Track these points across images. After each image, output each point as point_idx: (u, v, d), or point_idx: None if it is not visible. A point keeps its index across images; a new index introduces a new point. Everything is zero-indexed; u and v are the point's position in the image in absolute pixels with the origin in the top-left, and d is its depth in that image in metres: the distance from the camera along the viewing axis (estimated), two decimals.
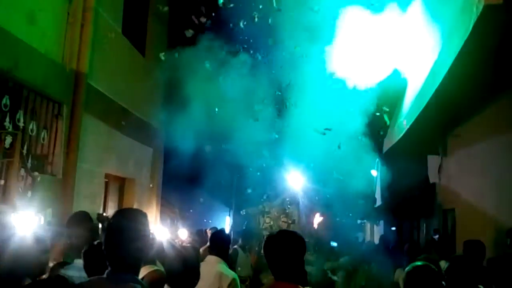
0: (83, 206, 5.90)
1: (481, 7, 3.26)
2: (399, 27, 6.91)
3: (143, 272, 3.06)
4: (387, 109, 8.25)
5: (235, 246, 8.07)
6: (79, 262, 3.01)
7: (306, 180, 12.16)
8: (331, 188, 11.54)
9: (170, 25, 9.74)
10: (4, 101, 4.62)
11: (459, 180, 6.60)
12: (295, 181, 12.21)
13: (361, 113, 7.91)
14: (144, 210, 2.25)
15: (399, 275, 5.13)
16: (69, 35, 5.87)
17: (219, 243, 4.22)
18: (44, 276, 2.34)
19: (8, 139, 4.60)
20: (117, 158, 7.58)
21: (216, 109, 8.47)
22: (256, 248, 8.37)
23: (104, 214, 6.79)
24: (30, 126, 5.10)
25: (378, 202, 10.76)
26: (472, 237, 4.81)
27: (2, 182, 4.62)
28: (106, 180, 7.46)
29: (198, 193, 16.76)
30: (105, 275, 2.01)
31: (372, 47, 7.09)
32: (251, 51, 8.55)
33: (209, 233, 7.57)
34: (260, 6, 7.72)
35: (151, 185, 9.23)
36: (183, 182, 14.46)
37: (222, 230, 5.46)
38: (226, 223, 17.57)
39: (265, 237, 2.79)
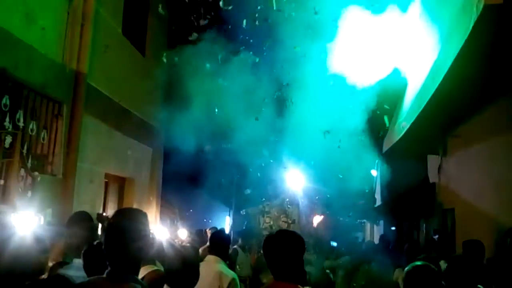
0: (83, 206, 5.90)
1: (481, 7, 3.26)
2: (399, 27, 6.91)
3: (142, 272, 3.06)
4: (387, 109, 8.26)
5: (235, 246, 8.09)
6: (78, 261, 3.01)
7: (306, 180, 12.17)
8: (331, 188, 11.56)
9: (170, 25, 9.74)
10: (4, 101, 4.62)
11: (459, 180, 6.61)
12: (295, 181, 12.22)
13: (361, 113, 7.91)
14: (144, 210, 2.26)
15: (399, 274, 5.14)
16: (69, 35, 5.87)
17: (219, 243, 4.23)
18: (43, 276, 2.35)
19: (8, 139, 4.60)
20: (117, 158, 7.58)
21: (216, 109, 8.47)
22: (256, 248, 8.38)
23: (104, 214, 6.79)
24: (30, 126, 5.09)
25: (378, 202, 10.78)
26: (472, 237, 4.81)
27: (2, 182, 4.61)
28: (106, 180, 7.46)
29: (198, 193, 16.76)
30: (105, 275, 2.01)
31: (372, 47, 7.10)
32: (251, 51, 8.56)
33: (208, 233, 7.58)
34: (258, 8, 7.72)
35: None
36: (183, 182, 14.47)
37: (222, 230, 5.47)
38: (226, 223, 17.57)
39: (264, 237, 2.79)
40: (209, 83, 8.31)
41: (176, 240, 7.04)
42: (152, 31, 9.22)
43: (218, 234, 4.56)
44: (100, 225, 5.89)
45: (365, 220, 15.28)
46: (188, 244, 6.13)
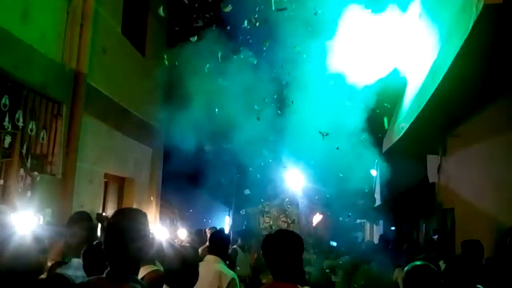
0: (83, 206, 5.90)
1: (480, 7, 3.26)
2: (399, 26, 6.91)
3: (142, 272, 3.06)
4: (387, 109, 8.26)
5: (234, 246, 8.09)
6: (76, 261, 3.02)
7: (306, 179, 12.16)
8: (330, 188, 11.55)
9: (169, 24, 9.74)
10: (3, 100, 4.61)
11: (459, 180, 6.61)
12: (294, 180, 12.22)
13: (360, 112, 7.92)
14: (144, 210, 2.25)
15: (398, 274, 5.14)
16: (68, 34, 5.86)
17: (218, 243, 4.23)
18: (42, 276, 2.34)
19: (8, 139, 4.59)
20: (116, 158, 7.58)
21: (216, 109, 8.47)
22: (256, 248, 8.38)
23: (104, 214, 6.79)
24: (30, 126, 5.09)
25: (378, 202, 10.78)
26: (471, 236, 4.81)
27: (2, 182, 4.61)
28: (106, 180, 7.46)
29: (198, 193, 16.76)
30: (104, 275, 2.01)
31: (372, 47, 7.10)
32: (251, 50, 8.55)
33: (208, 233, 7.58)
34: (257, 9, 7.72)
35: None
36: (183, 182, 14.46)
37: (221, 230, 5.47)
38: (225, 223, 17.56)
39: (264, 237, 2.80)
40: (209, 82, 8.31)
41: (175, 240, 7.04)
42: (151, 31, 9.22)
43: (218, 234, 4.56)
44: (99, 225, 5.89)
45: (364, 220, 15.29)
46: (187, 244, 6.13)
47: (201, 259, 3.83)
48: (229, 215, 17.84)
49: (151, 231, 2.23)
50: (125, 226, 2.04)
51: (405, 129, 6.49)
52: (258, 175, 11.41)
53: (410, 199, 9.09)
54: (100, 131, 6.81)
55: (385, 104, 8.03)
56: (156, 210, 9.58)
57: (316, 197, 12.95)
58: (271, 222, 12.13)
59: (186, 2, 7.58)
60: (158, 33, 9.54)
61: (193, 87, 8.27)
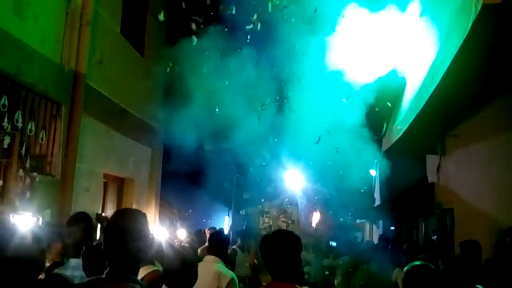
0: (82, 207, 5.89)
1: (479, 7, 3.26)
2: (397, 26, 6.91)
3: (142, 272, 3.06)
4: (386, 109, 8.26)
5: (234, 246, 8.09)
6: (74, 261, 3.02)
7: (306, 180, 12.17)
8: (330, 188, 11.56)
9: (168, 24, 9.74)
10: (2, 101, 4.61)
11: (458, 180, 6.61)
12: (294, 181, 12.22)
13: (360, 113, 7.91)
14: (143, 210, 2.25)
15: (398, 274, 5.14)
16: (67, 35, 5.86)
17: (217, 243, 4.23)
18: (40, 277, 2.34)
19: (7, 140, 4.59)
20: (116, 158, 7.57)
21: (216, 109, 8.46)
22: (255, 248, 8.39)
23: (103, 215, 6.79)
24: (29, 127, 5.09)
25: (377, 202, 10.78)
26: (471, 236, 4.81)
27: (1, 182, 4.61)
28: (105, 180, 7.46)
29: (198, 193, 16.75)
30: (104, 275, 2.01)
31: (371, 47, 7.10)
32: (251, 50, 8.54)
33: (207, 233, 7.59)
34: (256, 8, 7.72)
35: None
36: (182, 182, 14.46)
37: (221, 231, 5.47)
38: (225, 223, 17.56)
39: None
40: (208, 82, 8.30)
41: (175, 240, 7.05)
42: (150, 31, 9.21)
43: (217, 235, 4.57)
44: (99, 226, 5.89)
45: (364, 220, 15.30)
46: (187, 245, 6.13)
47: (200, 259, 3.83)
48: (228, 215, 17.84)
49: (150, 231, 2.23)
50: (125, 227, 2.03)
51: (402, 131, 6.50)
52: (258, 175, 11.41)
53: (409, 199, 9.09)
54: (99, 132, 6.80)
55: (387, 103, 8.03)
56: (155, 210, 9.57)
57: (316, 197, 12.96)
58: (271, 222, 12.15)
59: (183, 6, 7.59)
60: (157, 33, 9.54)
61: (193, 86, 8.27)
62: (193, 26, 7.96)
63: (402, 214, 10.92)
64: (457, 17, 3.96)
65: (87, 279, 2.22)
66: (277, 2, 7.51)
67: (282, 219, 12.13)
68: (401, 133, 6.77)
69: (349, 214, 13.62)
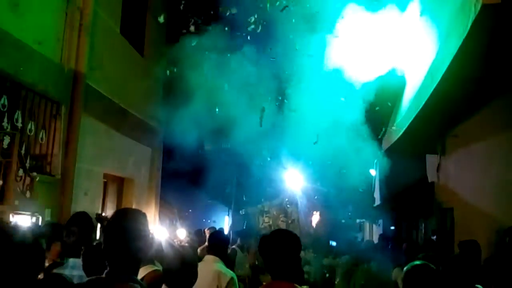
0: (82, 206, 5.90)
1: (479, 7, 3.26)
2: (397, 26, 6.91)
3: (142, 272, 3.06)
4: (386, 110, 8.26)
5: (234, 246, 8.09)
6: (72, 261, 3.03)
7: (306, 179, 12.17)
8: (330, 187, 11.56)
9: (168, 24, 9.74)
10: (2, 101, 4.62)
11: (458, 179, 6.61)
12: (294, 180, 12.22)
13: (360, 112, 7.91)
14: (143, 210, 2.25)
15: (398, 274, 5.14)
16: (67, 35, 5.87)
17: (217, 243, 4.23)
18: (39, 276, 2.34)
19: (6, 139, 4.59)
20: (115, 158, 7.58)
21: (215, 108, 8.46)
22: (255, 248, 8.38)
23: (103, 214, 6.79)
24: (29, 126, 5.09)
25: (377, 202, 10.77)
26: (470, 236, 4.81)
27: (1, 182, 4.61)
28: (105, 180, 7.46)
29: (197, 193, 16.75)
30: (104, 275, 2.01)
31: (371, 46, 7.10)
32: (251, 49, 8.54)
33: (207, 233, 7.58)
34: (256, 7, 7.71)
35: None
36: (182, 181, 14.45)
37: (221, 230, 5.47)
38: (225, 222, 17.56)
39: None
40: (208, 82, 8.30)
41: (175, 240, 7.05)
42: (150, 31, 9.22)
43: (217, 235, 4.57)
44: (99, 226, 5.90)
45: (364, 220, 15.30)
46: (186, 244, 6.14)
47: (200, 259, 3.83)
48: (228, 215, 17.84)
49: (150, 231, 2.23)
50: (125, 226, 2.03)
51: (402, 131, 6.50)
52: (258, 175, 11.41)
53: (409, 198, 9.09)
54: (99, 131, 6.81)
55: (387, 103, 8.03)
56: (155, 210, 9.58)
57: (316, 197, 12.96)
58: (271, 222, 12.13)
59: (183, 6, 7.59)
60: (157, 33, 9.55)
61: (193, 86, 8.27)
62: (193, 26, 7.96)
63: (402, 213, 10.92)
64: (457, 17, 3.96)
65: (87, 278, 2.23)
66: (277, 3, 7.50)
67: (282, 218, 12.11)
68: (401, 133, 6.77)
69: (349, 213, 13.61)
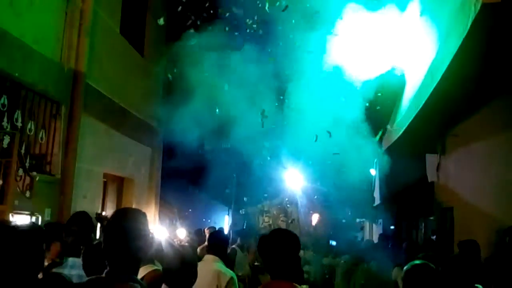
0: (82, 206, 5.90)
1: (479, 6, 3.26)
2: (397, 25, 6.91)
3: (142, 272, 3.06)
4: (386, 110, 8.26)
5: (234, 246, 8.08)
6: (71, 260, 3.03)
7: (306, 179, 12.17)
8: (330, 187, 11.56)
9: (168, 24, 9.74)
10: (2, 100, 4.62)
11: (458, 179, 6.61)
12: (294, 180, 12.22)
13: (359, 112, 7.91)
14: (143, 210, 2.25)
15: (398, 273, 5.14)
16: (67, 34, 5.87)
17: (217, 243, 4.23)
18: (39, 276, 2.34)
19: (6, 139, 4.59)
20: (115, 157, 7.58)
21: (215, 108, 8.46)
22: (255, 248, 8.38)
23: (103, 214, 6.79)
24: (28, 126, 5.09)
25: (377, 201, 10.78)
26: (470, 236, 4.81)
27: (0, 182, 4.61)
28: (105, 179, 7.46)
29: (197, 193, 16.76)
30: (104, 275, 2.01)
31: (370, 46, 7.10)
32: (250, 49, 8.53)
33: (207, 232, 7.58)
34: (256, 6, 7.71)
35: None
36: (182, 181, 14.46)
37: (221, 230, 5.47)
38: (225, 222, 17.57)
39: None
40: (208, 82, 8.30)
41: (174, 240, 7.05)
42: (150, 31, 9.22)
43: (216, 234, 4.57)
44: (99, 225, 5.90)
45: (364, 219, 15.30)
46: (186, 244, 6.13)
47: (200, 259, 3.83)
48: (228, 214, 17.84)
49: (150, 230, 2.23)
50: (125, 226, 2.03)
51: (402, 131, 6.50)
52: (258, 175, 11.40)
53: (409, 198, 9.09)
54: (99, 131, 6.81)
55: (387, 103, 8.03)
56: (155, 209, 9.58)
57: (316, 196, 12.96)
58: (271, 222, 12.13)
59: (183, 6, 7.59)
60: (157, 33, 9.54)
61: (193, 86, 8.27)
62: (193, 25, 7.95)
63: (402, 213, 10.92)
64: (457, 16, 3.96)
65: (87, 278, 2.23)
66: (277, 3, 7.50)
67: (282, 218, 12.10)
68: (400, 133, 6.77)
69: (349, 213, 13.61)
